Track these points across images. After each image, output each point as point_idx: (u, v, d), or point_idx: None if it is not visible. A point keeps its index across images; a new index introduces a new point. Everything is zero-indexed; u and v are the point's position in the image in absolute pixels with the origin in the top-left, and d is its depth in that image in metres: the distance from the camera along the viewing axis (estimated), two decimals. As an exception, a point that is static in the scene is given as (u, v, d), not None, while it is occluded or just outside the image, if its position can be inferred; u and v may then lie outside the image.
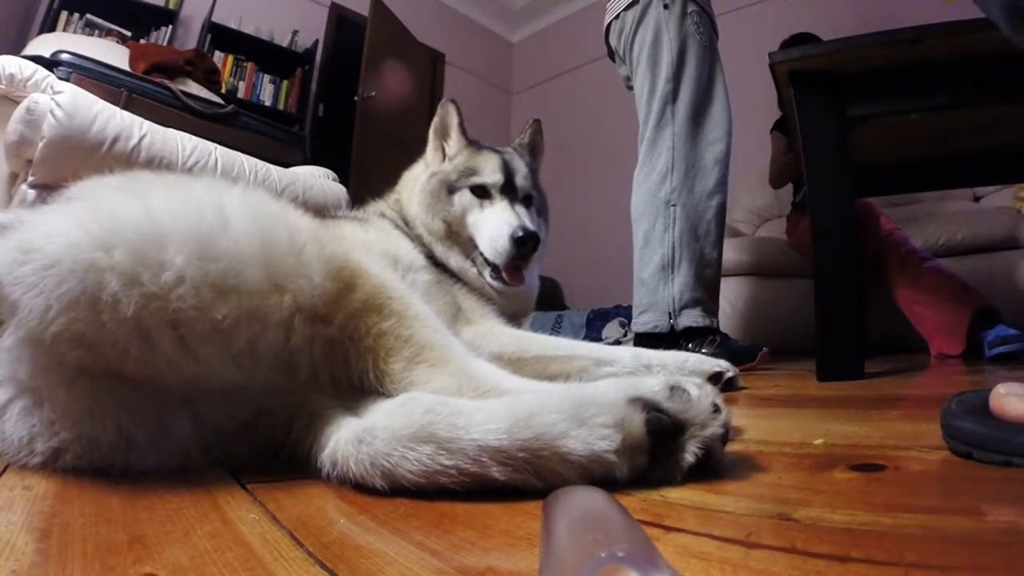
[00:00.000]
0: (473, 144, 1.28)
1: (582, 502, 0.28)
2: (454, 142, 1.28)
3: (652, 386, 0.42)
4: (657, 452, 0.40)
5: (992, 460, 0.42)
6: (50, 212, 0.51)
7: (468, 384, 0.51)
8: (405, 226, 1.23)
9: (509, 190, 1.22)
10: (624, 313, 3.31)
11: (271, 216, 0.53)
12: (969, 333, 1.71)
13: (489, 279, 1.17)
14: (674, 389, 0.42)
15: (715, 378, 1.13)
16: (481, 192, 1.20)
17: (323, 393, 0.53)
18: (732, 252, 2.31)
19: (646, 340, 1.60)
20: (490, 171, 1.22)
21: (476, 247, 1.19)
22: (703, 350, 1.50)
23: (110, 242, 0.44)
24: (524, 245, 1.13)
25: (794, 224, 2.44)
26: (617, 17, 1.79)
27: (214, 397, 0.50)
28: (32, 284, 0.42)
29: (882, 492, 0.39)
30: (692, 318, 1.58)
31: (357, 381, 0.53)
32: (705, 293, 1.61)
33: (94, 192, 0.54)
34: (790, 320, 2.14)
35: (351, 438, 0.43)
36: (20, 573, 0.29)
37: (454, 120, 1.28)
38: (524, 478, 0.38)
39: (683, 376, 0.44)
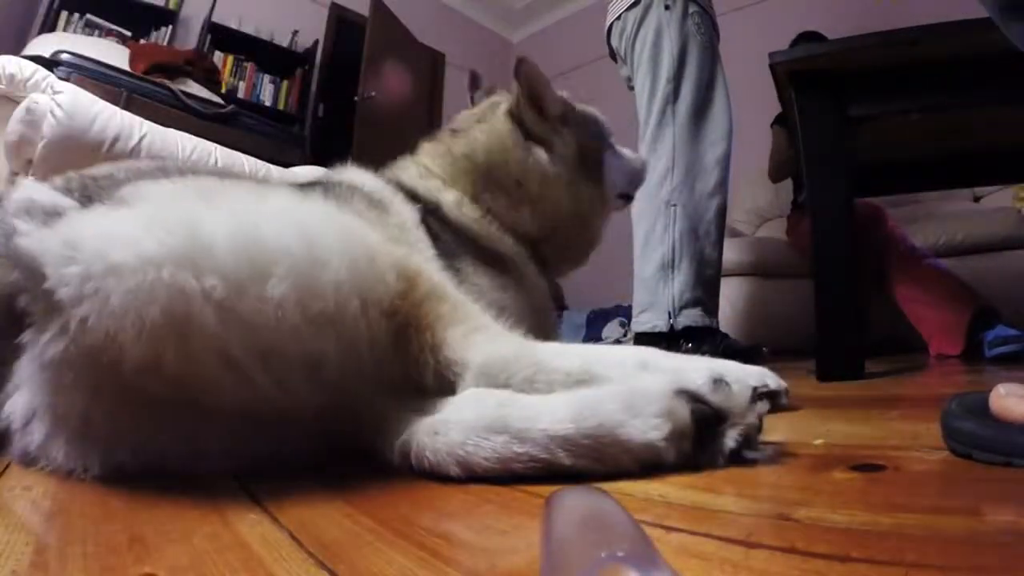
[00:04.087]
0: None
1: (582, 502, 0.28)
2: None
3: (696, 379, 0.47)
4: (701, 439, 0.44)
5: (993, 460, 0.41)
6: (103, 211, 0.46)
7: (523, 350, 0.52)
8: None
9: None
10: (624, 313, 3.31)
11: (347, 230, 0.53)
12: (969, 333, 1.71)
13: None
14: (717, 382, 0.47)
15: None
16: None
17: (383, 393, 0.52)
18: (732, 252, 2.30)
19: (646, 340, 1.60)
20: None
21: None
22: (702, 350, 1.50)
23: (199, 263, 0.40)
24: None
25: (794, 224, 2.44)
26: (619, 18, 1.79)
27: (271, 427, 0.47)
28: (87, 294, 0.38)
29: (882, 492, 0.39)
30: (692, 318, 1.58)
31: (416, 355, 0.53)
32: (705, 293, 1.61)
33: (152, 194, 0.49)
34: (790, 320, 2.14)
35: (427, 430, 0.46)
36: (20, 573, 0.29)
37: None
38: (587, 464, 0.42)
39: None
